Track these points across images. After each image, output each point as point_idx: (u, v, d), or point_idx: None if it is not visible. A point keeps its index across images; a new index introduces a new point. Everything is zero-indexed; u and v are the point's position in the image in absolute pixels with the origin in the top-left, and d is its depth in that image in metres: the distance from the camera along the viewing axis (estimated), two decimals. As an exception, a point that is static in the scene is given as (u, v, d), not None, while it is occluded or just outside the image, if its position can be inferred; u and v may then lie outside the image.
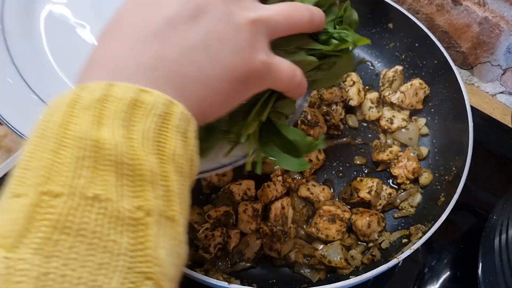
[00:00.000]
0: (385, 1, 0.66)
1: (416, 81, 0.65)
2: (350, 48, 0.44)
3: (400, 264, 0.48)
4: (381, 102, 0.67)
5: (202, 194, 0.58)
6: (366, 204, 0.58)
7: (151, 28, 0.31)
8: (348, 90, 0.65)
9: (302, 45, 0.40)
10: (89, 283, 0.22)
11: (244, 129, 0.41)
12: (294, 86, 0.37)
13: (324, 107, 0.65)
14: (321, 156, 0.61)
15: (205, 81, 0.31)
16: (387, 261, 0.48)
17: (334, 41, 0.41)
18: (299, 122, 0.62)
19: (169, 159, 0.27)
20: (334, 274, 0.54)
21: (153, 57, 0.30)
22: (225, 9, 0.32)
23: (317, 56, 0.41)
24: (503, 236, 0.52)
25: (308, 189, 0.58)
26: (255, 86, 0.35)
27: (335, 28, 0.43)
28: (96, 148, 0.25)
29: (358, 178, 0.59)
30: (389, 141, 0.64)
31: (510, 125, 0.70)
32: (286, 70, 0.35)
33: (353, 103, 0.65)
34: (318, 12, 0.38)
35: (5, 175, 0.64)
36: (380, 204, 0.58)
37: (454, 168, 0.56)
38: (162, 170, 0.26)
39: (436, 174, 0.59)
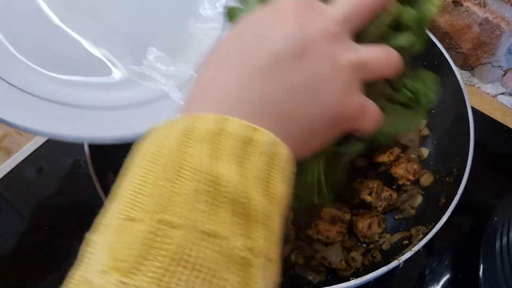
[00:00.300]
0: (386, 2, 0.66)
1: (417, 82, 0.65)
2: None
3: (401, 265, 0.47)
4: (382, 103, 0.66)
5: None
6: (366, 206, 0.58)
7: (257, 64, 0.31)
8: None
9: (380, 89, 0.40)
10: None
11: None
12: (374, 129, 0.37)
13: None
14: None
15: (305, 121, 0.31)
16: (387, 262, 0.48)
17: (407, 92, 0.41)
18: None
19: (275, 200, 0.27)
20: (335, 276, 0.54)
21: (260, 94, 0.30)
22: (329, 49, 0.32)
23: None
24: (504, 238, 0.52)
25: (309, 190, 0.58)
26: (345, 127, 0.34)
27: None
28: (214, 183, 0.25)
29: (359, 180, 0.59)
30: (389, 142, 0.64)
31: (511, 126, 0.70)
32: (376, 114, 0.35)
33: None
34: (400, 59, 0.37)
35: (4, 176, 0.64)
36: (380, 206, 0.58)
37: (455, 170, 0.56)
38: (270, 212, 0.26)
39: (437, 176, 0.59)
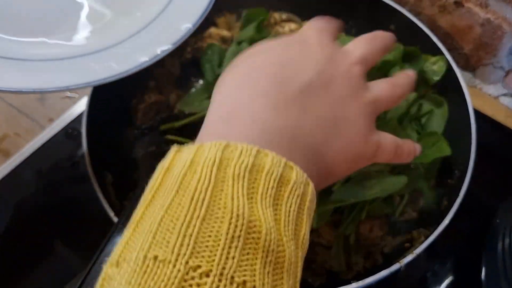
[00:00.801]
0: (387, 3, 0.66)
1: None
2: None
3: (402, 268, 0.47)
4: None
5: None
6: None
7: (292, 93, 0.30)
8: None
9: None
10: None
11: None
12: (397, 159, 0.38)
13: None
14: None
15: (328, 155, 0.31)
16: (389, 265, 0.47)
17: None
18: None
19: (301, 244, 0.26)
20: (336, 279, 0.54)
21: (293, 125, 0.29)
22: (352, 86, 0.33)
23: None
24: (507, 240, 0.52)
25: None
26: (362, 163, 0.35)
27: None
28: (249, 229, 0.23)
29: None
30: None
31: (513, 128, 0.70)
32: (390, 147, 0.37)
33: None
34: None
35: (3, 178, 0.63)
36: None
37: (456, 172, 0.56)
38: (296, 258, 0.25)
39: (439, 178, 0.59)
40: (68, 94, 0.72)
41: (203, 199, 0.23)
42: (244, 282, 0.22)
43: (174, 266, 0.21)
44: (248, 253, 0.23)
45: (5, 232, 0.60)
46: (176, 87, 0.67)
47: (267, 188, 0.25)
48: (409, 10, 0.73)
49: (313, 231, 0.54)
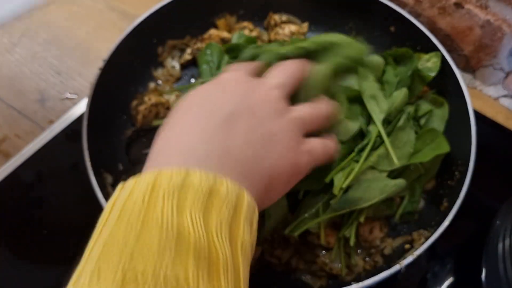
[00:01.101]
0: (387, 4, 0.66)
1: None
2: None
3: (402, 270, 0.47)
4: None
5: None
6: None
7: (214, 122, 0.35)
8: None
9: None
10: None
11: None
12: (328, 156, 0.44)
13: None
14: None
15: (264, 170, 0.36)
16: (389, 267, 0.47)
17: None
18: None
19: (239, 247, 0.29)
20: (336, 281, 0.54)
21: (220, 146, 0.34)
22: (273, 108, 0.39)
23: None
24: (507, 241, 0.52)
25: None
26: (300, 172, 0.40)
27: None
28: (179, 237, 0.27)
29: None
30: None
31: (513, 129, 0.70)
32: (320, 150, 0.42)
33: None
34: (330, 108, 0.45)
35: (3, 179, 0.63)
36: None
37: (457, 173, 0.56)
38: (234, 259, 0.28)
39: (439, 179, 0.59)
40: (68, 95, 0.72)
41: (136, 218, 0.27)
42: (177, 277, 0.25)
43: (115, 276, 0.25)
44: (180, 256, 0.26)
45: (6, 233, 0.60)
46: (176, 89, 0.67)
47: (197, 201, 0.28)
48: (409, 11, 0.73)
49: (313, 234, 0.54)
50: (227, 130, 0.35)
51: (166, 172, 0.30)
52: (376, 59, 0.58)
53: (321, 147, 0.42)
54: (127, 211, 0.28)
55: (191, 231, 0.27)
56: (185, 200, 0.28)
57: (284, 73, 0.43)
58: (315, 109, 0.43)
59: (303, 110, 0.42)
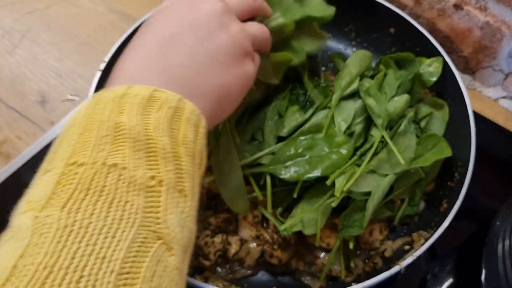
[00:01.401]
0: (386, 6, 0.66)
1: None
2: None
3: (402, 271, 0.47)
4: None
5: (202, 201, 0.58)
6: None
7: (158, 41, 0.37)
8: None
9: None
10: (106, 234, 0.25)
11: None
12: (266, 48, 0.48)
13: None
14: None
15: (211, 83, 0.37)
16: (389, 268, 0.47)
17: None
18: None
19: (180, 143, 0.31)
20: (336, 282, 0.54)
21: (162, 64, 0.36)
22: (220, 20, 0.40)
23: None
24: (507, 242, 0.52)
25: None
26: (250, 78, 0.42)
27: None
28: (115, 128, 0.29)
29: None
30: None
31: (512, 130, 0.70)
32: (264, 36, 0.46)
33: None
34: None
35: (4, 181, 0.63)
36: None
37: (456, 174, 0.56)
38: (174, 150, 0.30)
39: (439, 180, 0.59)
40: (69, 97, 0.72)
41: (82, 121, 0.31)
42: (115, 164, 0.28)
43: (59, 169, 0.28)
44: (117, 145, 0.29)
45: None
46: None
47: (134, 104, 0.31)
48: (409, 13, 0.73)
49: (313, 235, 0.54)
50: (169, 49, 0.36)
51: (111, 89, 0.33)
52: (363, 52, 0.59)
53: (264, 34, 0.46)
54: (76, 119, 0.32)
55: (127, 126, 0.29)
56: (125, 103, 0.31)
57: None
58: (263, 28, 0.46)
59: (252, 26, 0.44)
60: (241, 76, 0.40)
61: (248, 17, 0.46)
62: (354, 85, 0.56)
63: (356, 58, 0.58)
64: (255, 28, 0.45)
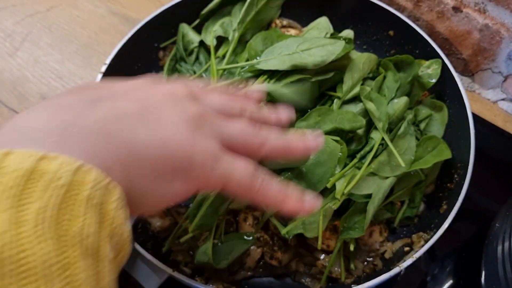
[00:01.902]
0: (385, 8, 0.66)
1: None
2: None
3: (402, 272, 0.47)
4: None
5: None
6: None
7: (70, 102, 0.29)
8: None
9: None
10: None
11: None
12: (254, 193, 0.33)
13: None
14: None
15: (122, 142, 0.28)
16: (389, 270, 0.47)
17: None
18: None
19: (74, 241, 0.22)
20: (336, 284, 0.54)
21: (65, 122, 0.27)
22: (169, 95, 0.33)
23: None
24: (506, 244, 0.52)
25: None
26: (197, 177, 0.31)
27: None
28: None
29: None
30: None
31: (512, 132, 0.70)
32: (243, 170, 0.32)
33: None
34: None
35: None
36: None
37: (456, 176, 0.56)
38: (62, 258, 0.22)
39: (438, 182, 0.59)
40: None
41: None
42: None
43: None
44: None
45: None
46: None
47: (5, 190, 0.22)
48: (408, 15, 0.74)
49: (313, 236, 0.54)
50: (84, 109, 0.28)
51: None
52: (368, 55, 0.59)
53: (244, 168, 0.33)
54: None
55: None
56: None
57: (221, 96, 0.37)
58: (257, 137, 0.35)
59: (236, 124, 0.34)
60: (183, 161, 0.30)
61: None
62: (356, 89, 0.56)
63: (359, 62, 0.58)
64: (244, 129, 0.34)
